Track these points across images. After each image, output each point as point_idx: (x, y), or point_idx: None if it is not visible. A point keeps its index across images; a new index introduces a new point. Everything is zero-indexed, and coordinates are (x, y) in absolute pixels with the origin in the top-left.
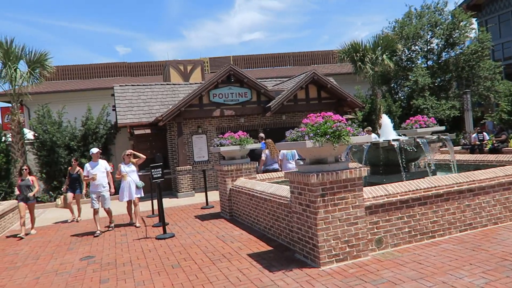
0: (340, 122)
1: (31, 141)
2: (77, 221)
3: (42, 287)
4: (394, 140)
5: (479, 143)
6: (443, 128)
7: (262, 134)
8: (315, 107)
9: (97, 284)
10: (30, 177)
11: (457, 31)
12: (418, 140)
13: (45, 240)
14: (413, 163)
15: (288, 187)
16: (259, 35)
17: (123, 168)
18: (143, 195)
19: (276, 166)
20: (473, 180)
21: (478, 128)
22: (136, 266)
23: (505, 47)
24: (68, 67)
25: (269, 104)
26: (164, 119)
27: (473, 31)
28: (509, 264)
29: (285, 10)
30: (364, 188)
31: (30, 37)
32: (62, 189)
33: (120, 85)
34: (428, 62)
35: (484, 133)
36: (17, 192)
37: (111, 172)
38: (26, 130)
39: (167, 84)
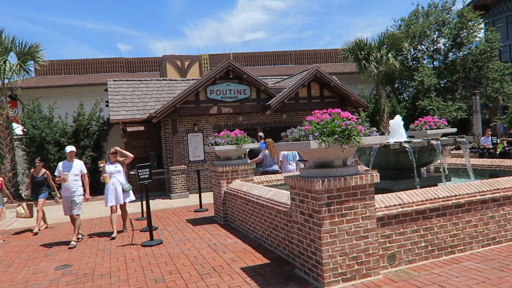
0: (350, 120)
1: (20, 136)
2: (36, 233)
3: None
4: (406, 142)
5: (492, 146)
6: (454, 130)
7: (261, 133)
8: (317, 106)
9: None
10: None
11: (465, 30)
12: (432, 142)
13: (24, 244)
14: (425, 167)
15: (289, 192)
16: (261, 35)
17: (108, 168)
18: (134, 198)
19: (276, 167)
20: (497, 189)
21: (489, 130)
22: (115, 279)
23: None
24: (64, 62)
25: (269, 102)
26: (158, 116)
27: (481, 31)
28: None
29: (287, 10)
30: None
31: (32, 33)
32: (23, 194)
33: (114, 80)
34: (435, 63)
35: (492, 136)
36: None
37: (87, 175)
38: (15, 125)
39: (163, 79)
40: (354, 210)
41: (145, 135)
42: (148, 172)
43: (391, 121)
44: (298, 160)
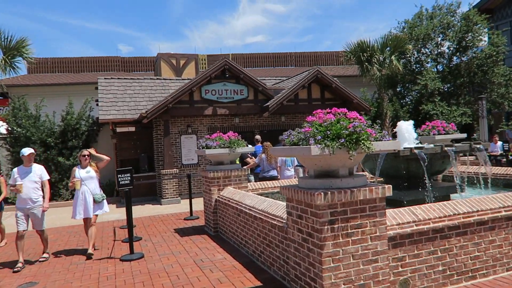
0: (358, 121)
1: (4, 135)
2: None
3: None
4: (417, 148)
5: (503, 153)
6: (464, 135)
7: (258, 136)
8: (317, 109)
9: None
10: None
11: (470, 34)
12: (446, 149)
13: None
14: (435, 176)
15: (285, 203)
16: (261, 38)
17: (78, 173)
18: (107, 210)
19: (274, 172)
20: None
21: (496, 136)
22: None
23: None
24: (58, 60)
25: (267, 104)
26: (149, 116)
27: (486, 35)
28: None
29: (288, 14)
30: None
31: (31, 31)
32: None
33: (105, 78)
34: (438, 66)
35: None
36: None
37: (48, 181)
38: (0, 123)
39: (157, 78)
40: (361, 229)
41: (136, 136)
42: (129, 178)
43: (399, 125)
44: (297, 166)
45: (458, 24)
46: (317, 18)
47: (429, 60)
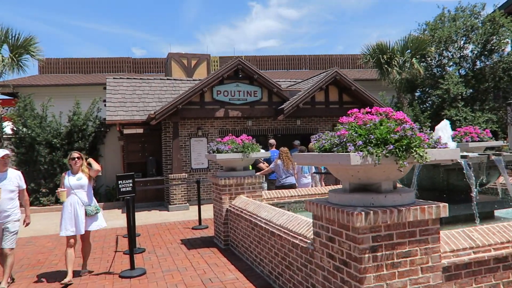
0: (407, 124)
1: (9, 136)
2: None
3: None
4: (461, 156)
5: None
6: (500, 143)
7: (272, 141)
8: (335, 112)
9: None
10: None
11: (495, 36)
12: (493, 158)
13: None
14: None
15: (308, 218)
16: (274, 43)
17: (67, 180)
18: (104, 225)
19: (292, 180)
20: None
21: None
22: None
23: None
24: (70, 60)
25: (282, 106)
26: (157, 117)
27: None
28: None
29: (301, 19)
30: None
31: (47, 34)
32: None
33: (114, 77)
34: (461, 70)
35: None
36: None
37: (26, 190)
38: (6, 123)
39: (167, 79)
40: (410, 258)
41: (144, 139)
42: (130, 184)
43: (436, 127)
44: (314, 173)
45: (483, 26)
46: (329, 23)
47: (451, 63)
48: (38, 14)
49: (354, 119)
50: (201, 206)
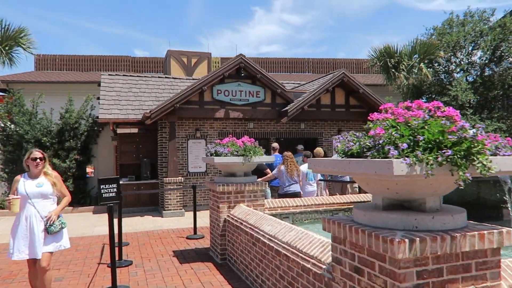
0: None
1: None
2: None
3: None
4: None
5: None
6: None
7: (275, 144)
8: (341, 116)
9: None
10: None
11: (505, 43)
12: None
13: None
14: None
15: (321, 237)
16: (276, 48)
17: (21, 185)
18: (67, 246)
19: (297, 188)
20: None
21: None
22: None
23: None
24: (67, 57)
25: (286, 108)
26: (153, 117)
27: None
28: None
29: (303, 25)
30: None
31: (50, 34)
32: None
33: (109, 74)
34: (468, 77)
35: None
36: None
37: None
38: None
39: (166, 77)
40: None
41: (139, 139)
42: (115, 189)
43: None
44: (320, 180)
45: (492, 32)
46: (332, 30)
47: (458, 69)
48: (43, 13)
49: (393, 115)
50: (198, 213)
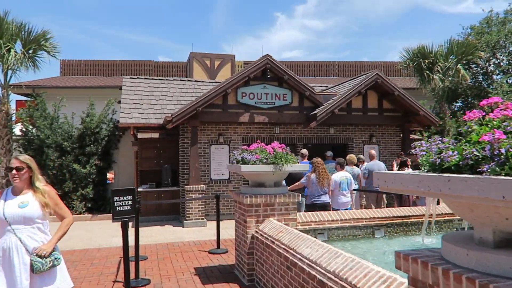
0: None
1: (17, 137)
2: None
3: None
4: None
5: None
6: None
7: (304, 151)
8: (374, 120)
9: None
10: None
11: None
12: None
13: None
14: None
15: (377, 267)
16: (297, 54)
17: (1, 205)
18: (71, 285)
19: (326, 198)
20: None
21: None
22: None
23: None
24: (91, 62)
25: (315, 112)
26: (174, 121)
27: None
28: None
29: (326, 31)
30: None
31: (77, 41)
32: None
33: (131, 77)
34: (509, 79)
35: None
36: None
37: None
38: (15, 125)
39: (188, 80)
40: None
41: (160, 144)
42: (130, 201)
43: None
44: (355, 190)
45: None
46: (355, 35)
47: (497, 71)
48: (70, 21)
49: None
50: (220, 223)
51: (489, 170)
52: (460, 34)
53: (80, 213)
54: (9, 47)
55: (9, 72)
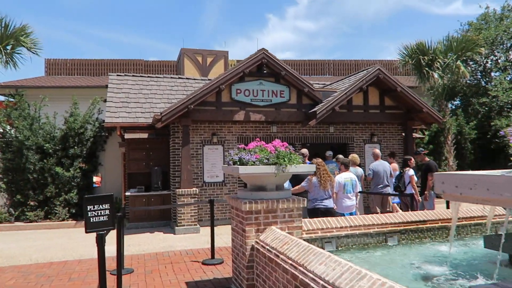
0: None
1: None
2: None
3: None
4: None
5: None
6: None
7: (304, 151)
8: (375, 118)
9: None
10: None
11: None
12: None
13: None
14: None
15: None
16: (290, 55)
17: None
18: None
19: (329, 203)
20: None
21: None
22: None
23: None
24: (78, 61)
25: (315, 109)
26: (164, 119)
27: None
28: None
29: (317, 32)
30: None
31: (64, 42)
32: None
33: (117, 74)
34: (507, 76)
35: None
36: None
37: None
38: None
39: (179, 77)
40: None
41: (149, 145)
42: (107, 211)
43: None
44: (360, 192)
45: None
46: (346, 36)
47: (496, 69)
48: (57, 22)
49: None
50: (215, 228)
51: None
52: (458, 31)
53: (63, 220)
54: None
55: None
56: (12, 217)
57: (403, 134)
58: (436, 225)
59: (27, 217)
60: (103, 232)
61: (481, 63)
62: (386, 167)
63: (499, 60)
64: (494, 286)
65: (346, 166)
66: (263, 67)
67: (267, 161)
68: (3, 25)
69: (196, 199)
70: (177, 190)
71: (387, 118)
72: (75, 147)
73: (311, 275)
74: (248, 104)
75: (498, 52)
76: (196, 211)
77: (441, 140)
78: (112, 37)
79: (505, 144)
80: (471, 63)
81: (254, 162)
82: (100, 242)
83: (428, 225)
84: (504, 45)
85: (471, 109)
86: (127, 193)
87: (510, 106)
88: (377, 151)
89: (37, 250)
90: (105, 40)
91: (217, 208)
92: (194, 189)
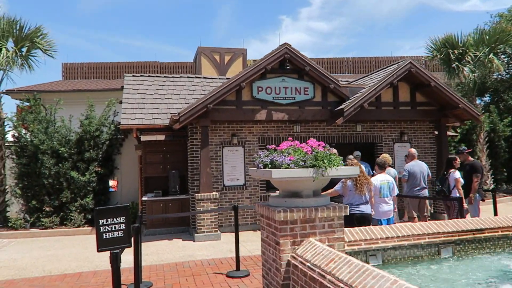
0: None
1: (10, 143)
2: None
3: None
4: None
5: None
6: None
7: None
8: (405, 115)
9: None
10: None
11: None
12: None
13: None
14: None
15: None
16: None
17: None
18: None
19: (366, 208)
20: None
21: None
22: None
23: None
24: (94, 65)
25: (341, 107)
26: (182, 120)
27: None
28: None
29: (331, 32)
30: None
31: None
32: None
33: (133, 75)
34: None
35: None
36: None
37: None
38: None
39: (196, 77)
40: None
41: (166, 147)
42: (122, 225)
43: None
44: (398, 196)
45: None
46: (360, 35)
47: None
48: (76, 31)
49: None
50: (238, 234)
51: None
52: (487, 23)
53: (78, 226)
54: (0, 45)
55: (1, 73)
56: (28, 223)
57: (436, 132)
58: (496, 233)
59: (43, 223)
60: (117, 251)
61: None
62: (423, 168)
63: None
64: None
65: (381, 167)
66: (286, 62)
67: (303, 163)
68: (18, 27)
69: (216, 203)
70: (196, 194)
71: (418, 115)
72: (91, 151)
73: None
74: (270, 102)
75: None
76: (217, 216)
77: (473, 138)
78: (129, 43)
79: None
80: (502, 56)
81: (288, 165)
82: (115, 262)
83: (486, 234)
84: None
85: (503, 105)
86: (144, 198)
87: None
88: (413, 150)
89: (50, 260)
90: (121, 45)
91: (238, 213)
92: (214, 193)
